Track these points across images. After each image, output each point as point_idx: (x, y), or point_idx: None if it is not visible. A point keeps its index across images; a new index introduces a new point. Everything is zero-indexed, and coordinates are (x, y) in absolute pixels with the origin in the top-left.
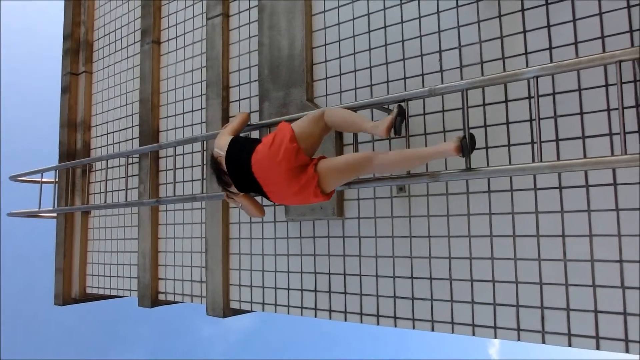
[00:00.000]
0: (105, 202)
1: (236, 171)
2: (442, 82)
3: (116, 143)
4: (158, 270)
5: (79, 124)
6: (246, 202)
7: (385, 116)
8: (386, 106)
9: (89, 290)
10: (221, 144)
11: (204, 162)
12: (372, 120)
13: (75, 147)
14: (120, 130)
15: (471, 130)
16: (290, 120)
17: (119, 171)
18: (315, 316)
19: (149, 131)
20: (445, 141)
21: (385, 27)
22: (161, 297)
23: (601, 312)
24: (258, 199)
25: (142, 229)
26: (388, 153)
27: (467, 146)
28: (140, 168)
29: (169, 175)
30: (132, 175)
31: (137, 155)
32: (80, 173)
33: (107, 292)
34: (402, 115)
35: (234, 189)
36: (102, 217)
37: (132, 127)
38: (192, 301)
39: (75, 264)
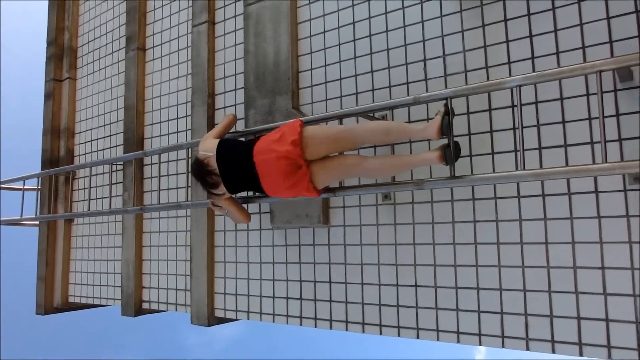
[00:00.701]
0: (89, 209)
1: (229, 167)
2: (427, 91)
3: (100, 150)
4: (142, 278)
5: (62, 130)
6: (231, 207)
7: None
8: (371, 114)
9: (71, 300)
10: (207, 146)
11: (189, 170)
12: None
13: (58, 154)
14: (104, 137)
15: (456, 139)
16: (260, 131)
17: (102, 178)
18: (301, 324)
19: (134, 138)
20: (430, 149)
21: (370, 35)
22: (145, 305)
23: (584, 318)
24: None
25: (126, 237)
26: (375, 159)
27: (450, 155)
28: (124, 175)
29: (153, 183)
30: (116, 183)
31: (122, 163)
32: (64, 180)
33: (90, 301)
34: (448, 114)
35: (221, 190)
36: (86, 225)
37: (117, 134)
38: (176, 310)
39: (57, 272)
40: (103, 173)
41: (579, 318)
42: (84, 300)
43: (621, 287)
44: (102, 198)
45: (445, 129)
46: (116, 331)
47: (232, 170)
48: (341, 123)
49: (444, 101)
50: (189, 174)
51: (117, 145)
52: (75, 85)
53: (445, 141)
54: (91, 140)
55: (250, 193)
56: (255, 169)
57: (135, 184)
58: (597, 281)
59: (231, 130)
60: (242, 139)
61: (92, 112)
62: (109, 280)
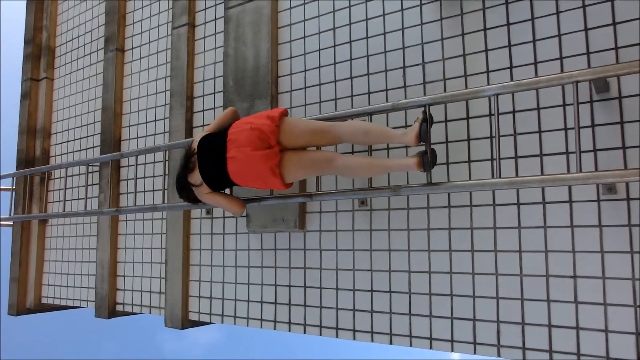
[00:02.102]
0: (64, 210)
1: (205, 152)
2: (406, 98)
3: (77, 151)
4: (116, 280)
5: (38, 130)
6: (215, 197)
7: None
8: (350, 120)
9: (44, 301)
10: (197, 136)
11: (166, 172)
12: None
13: (34, 154)
14: (81, 138)
15: (433, 146)
16: None
17: (78, 179)
18: (275, 328)
19: (111, 140)
20: (407, 155)
21: (350, 42)
22: (119, 308)
23: (555, 326)
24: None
25: (101, 238)
26: (351, 157)
27: (428, 161)
28: (100, 177)
29: (129, 185)
30: (92, 184)
31: (98, 164)
32: (39, 181)
33: (64, 303)
34: (427, 121)
35: (197, 179)
36: (60, 226)
37: (94, 135)
38: (150, 312)
39: (31, 273)
40: (79, 174)
41: (550, 326)
42: (57, 302)
43: (593, 295)
44: (78, 199)
45: (424, 135)
46: (89, 333)
47: (204, 153)
48: None
49: (422, 108)
50: (166, 177)
51: (94, 147)
52: (52, 85)
53: (422, 148)
54: (68, 141)
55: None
56: (226, 143)
57: (111, 186)
58: (569, 289)
59: None
60: None
61: (69, 112)
62: (83, 282)
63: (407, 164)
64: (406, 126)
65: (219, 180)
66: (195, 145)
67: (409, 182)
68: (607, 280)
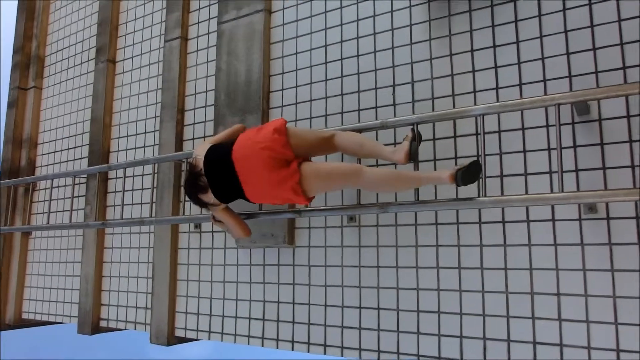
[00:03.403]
0: (48, 222)
1: (214, 168)
2: (395, 116)
3: (63, 162)
4: (101, 295)
5: (24, 140)
6: (227, 217)
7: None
8: None
9: (25, 316)
10: (200, 150)
11: (155, 185)
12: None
13: (19, 165)
14: (68, 148)
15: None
16: None
17: (64, 191)
18: (262, 345)
19: (99, 151)
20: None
21: (341, 59)
22: (103, 323)
23: (539, 343)
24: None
25: (87, 252)
26: (379, 170)
27: (461, 175)
28: (87, 189)
29: (117, 197)
30: (78, 196)
31: (85, 176)
32: (23, 191)
33: (45, 318)
34: (415, 139)
35: (210, 198)
36: (44, 238)
37: (82, 146)
38: (135, 328)
39: (11, 287)
40: (65, 185)
41: (534, 343)
42: (38, 317)
43: (575, 313)
44: (63, 211)
45: (414, 154)
46: (71, 350)
47: (214, 170)
48: None
49: (411, 126)
50: (154, 190)
51: (81, 158)
52: (40, 95)
53: (464, 162)
54: (54, 152)
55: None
56: (235, 168)
57: (98, 198)
58: (552, 307)
59: None
60: None
61: (57, 122)
62: (66, 297)
63: (440, 176)
64: (395, 143)
65: (234, 198)
66: (200, 164)
67: (397, 199)
68: (589, 298)
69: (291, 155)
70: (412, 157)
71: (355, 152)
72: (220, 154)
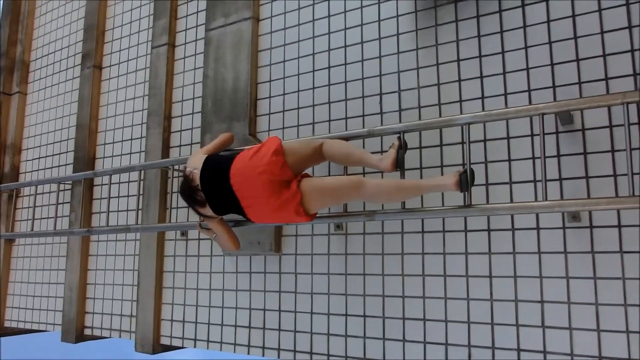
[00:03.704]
0: (32, 229)
1: (211, 187)
2: (382, 124)
3: (48, 168)
4: (85, 303)
5: (8, 146)
6: (221, 229)
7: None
8: None
9: (7, 324)
10: (195, 162)
11: (140, 192)
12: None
13: (2, 171)
14: (53, 155)
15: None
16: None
17: (49, 198)
18: (248, 353)
19: (85, 158)
20: (442, 174)
21: (329, 67)
22: (87, 331)
23: (523, 350)
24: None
25: (71, 259)
26: (381, 181)
27: (466, 181)
28: (72, 195)
29: (102, 204)
30: (63, 203)
31: (70, 182)
32: (7, 198)
33: (28, 326)
34: (402, 147)
35: (208, 211)
36: (28, 245)
37: (67, 152)
38: (120, 336)
39: None
40: (50, 192)
41: (518, 350)
42: (21, 325)
43: (558, 320)
44: (48, 218)
45: (401, 161)
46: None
47: (215, 188)
48: None
49: (398, 135)
50: (140, 197)
51: (66, 164)
52: (25, 100)
53: (460, 168)
54: (39, 158)
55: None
56: (235, 193)
57: (83, 205)
58: (536, 314)
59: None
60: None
61: (41, 128)
62: (50, 305)
63: (445, 183)
64: (382, 151)
65: (232, 212)
66: (197, 180)
67: (383, 207)
68: (572, 305)
69: (290, 175)
70: (399, 165)
71: (342, 161)
72: (217, 174)
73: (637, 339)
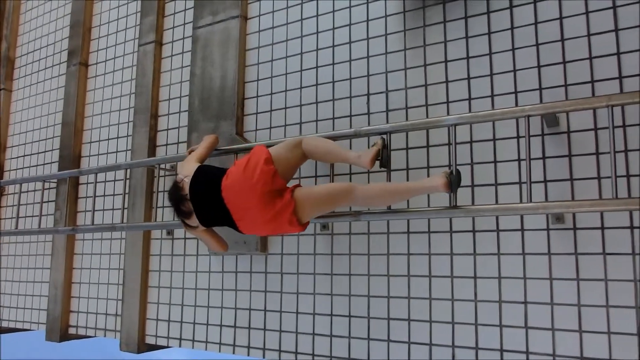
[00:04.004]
0: (17, 228)
1: (201, 200)
2: (369, 124)
3: (33, 166)
4: (70, 302)
5: None
6: (207, 236)
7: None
8: None
9: None
10: (187, 170)
11: (126, 191)
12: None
13: None
14: (38, 152)
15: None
16: (238, 150)
17: (34, 196)
18: (234, 352)
19: (70, 156)
20: (428, 176)
21: (317, 67)
22: (72, 330)
23: (507, 350)
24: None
25: (56, 258)
26: (370, 185)
27: (455, 182)
28: (57, 194)
29: (88, 203)
30: (48, 201)
31: (55, 180)
32: None
33: (12, 325)
34: (386, 147)
35: (194, 221)
36: (12, 244)
37: (52, 150)
38: (105, 335)
39: None
40: (35, 190)
41: (502, 350)
42: (5, 324)
43: (542, 321)
44: (32, 216)
45: (386, 162)
46: (39, 357)
47: (205, 202)
48: None
49: (383, 135)
50: (126, 195)
51: (51, 162)
52: (10, 97)
53: (447, 169)
54: (24, 155)
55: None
56: (226, 206)
57: (68, 203)
58: (520, 315)
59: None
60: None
61: (27, 126)
62: (35, 303)
63: (434, 185)
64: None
65: (221, 225)
66: (187, 189)
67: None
68: (555, 306)
69: (282, 183)
70: (384, 164)
71: (322, 158)
72: (209, 187)
73: (619, 339)
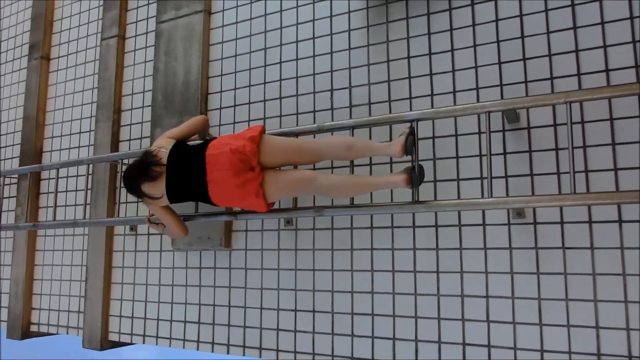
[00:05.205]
0: None
1: (178, 168)
2: (332, 120)
3: None
4: (32, 299)
5: None
6: (167, 216)
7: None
8: None
9: None
10: (162, 142)
11: (89, 187)
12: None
13: None
14: None
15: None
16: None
17: None
18: (198, 349)
19: (32, 151)
20: (391, 172)
21: (281, 62)
22: (33, 328)
23: (469, 344)
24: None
25: (17, 254)
26: (333, 176)
27: (416, 178)
28: (18, 189)
29: (50, 199)
30: (9, 197)
31: (16, 176)
32: None
33: None
34: (413, 134)
35: (157, 190)
36: None
37: (13, 145)
38: (67, 333)
39: None
40: None
41: (464, 344)
42: None
43: (503, 315)
44: None
45: (410, 148)
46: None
47: (180, 171)
48: None
49: (348, 130)
50: (89, 191)
51: (12, 157)
52: None
53: (407, 165)
54: None
55: (193, 205)
56: (205, 165)
57: (30, 199)
58: (481, 309)
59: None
60: None
61: None
62: None
63: (395, 180)
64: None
65: (189, 198)
66: (164, 157)
67: (333, 203)
68: (516, 300)
69: (255, 163)
70: (408, 150)
71: (343, 156)
72: (190, 154)
73: (578, 332)
